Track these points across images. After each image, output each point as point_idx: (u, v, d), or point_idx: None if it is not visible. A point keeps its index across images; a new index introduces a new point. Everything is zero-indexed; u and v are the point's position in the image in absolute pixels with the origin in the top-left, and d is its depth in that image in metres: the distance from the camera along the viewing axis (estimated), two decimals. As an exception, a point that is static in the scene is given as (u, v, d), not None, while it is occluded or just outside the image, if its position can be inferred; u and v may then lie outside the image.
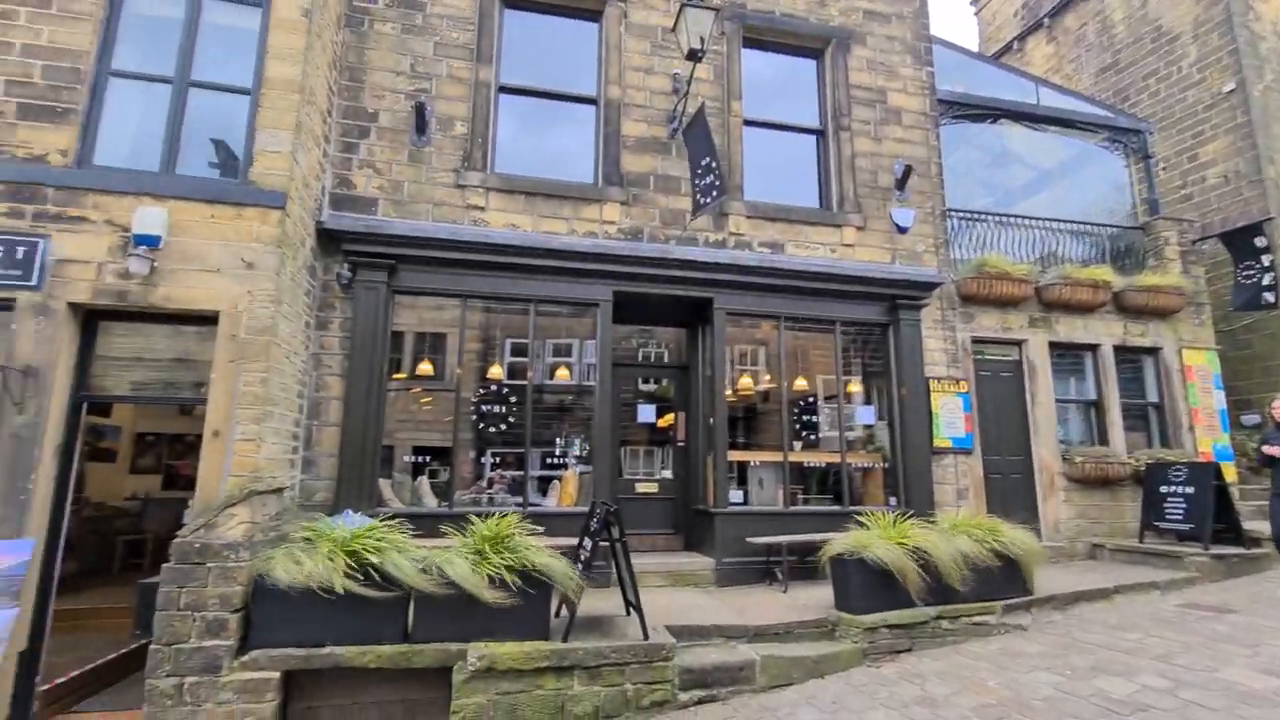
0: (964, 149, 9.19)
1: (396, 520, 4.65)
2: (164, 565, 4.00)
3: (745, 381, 7.31)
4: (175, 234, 5.02)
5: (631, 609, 4.69)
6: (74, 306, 4.88)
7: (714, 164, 6.10)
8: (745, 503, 6.73)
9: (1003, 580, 5.30)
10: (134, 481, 10.74)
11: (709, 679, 4.43)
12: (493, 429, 6.54)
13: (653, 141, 7.19)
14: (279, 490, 4.96)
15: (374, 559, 4.15)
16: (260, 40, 5.39)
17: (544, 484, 6.49)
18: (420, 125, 6.54)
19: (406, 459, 6.49)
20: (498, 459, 6.72)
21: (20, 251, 4.84)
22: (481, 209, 6.62)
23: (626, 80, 7.24)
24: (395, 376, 6.32)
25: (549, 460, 6.77)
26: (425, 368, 6.76)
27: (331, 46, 6.29)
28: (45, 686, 4.74)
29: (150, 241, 4.89)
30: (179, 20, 5.43)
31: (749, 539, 6.24)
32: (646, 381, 7.72)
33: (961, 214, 8.27)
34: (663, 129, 7.24)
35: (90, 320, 5.03)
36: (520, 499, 6.34)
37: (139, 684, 5.05)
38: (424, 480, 6.45)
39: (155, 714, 3.83)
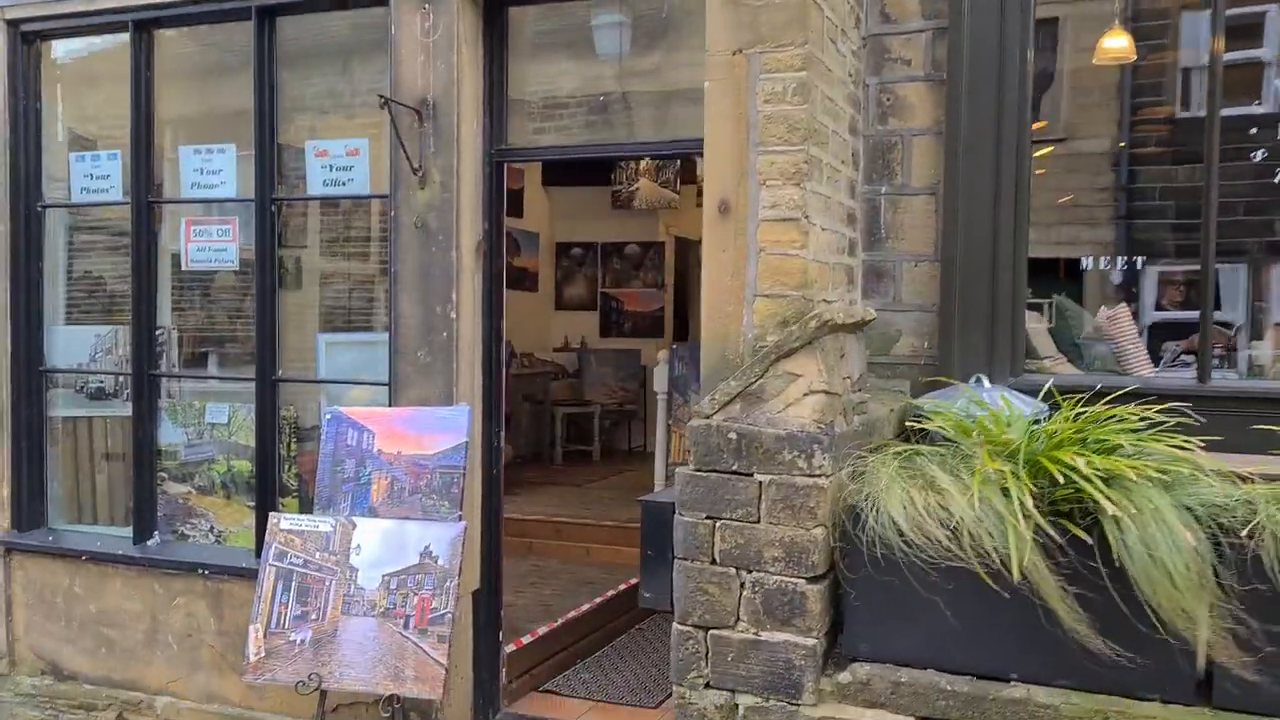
0: None
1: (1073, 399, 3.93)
2: (680, 471, 3.87)
3: None
4: None
5: None
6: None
7: None
8: None
9: None
10: (562, 322, 12.43)
11: None
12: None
13: None
14: (862, 325, 4.54)
15: (1108, 499, 3.32)
16: None
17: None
18: None
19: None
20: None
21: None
22: None
23: None
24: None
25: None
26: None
27: None
28: (511, 648, 5.42)
29: None
30: None
31: None
32: None
33: None
34: None
35: (493, 15, 5.19)
36: None
37: (631, 654, 6.01)
38: (1119, 311, 5.50)
39: (690, 750, 3.87)
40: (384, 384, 5.14)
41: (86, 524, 5.94)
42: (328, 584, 4.66)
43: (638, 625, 6.60)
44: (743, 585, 3.77)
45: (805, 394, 3.83)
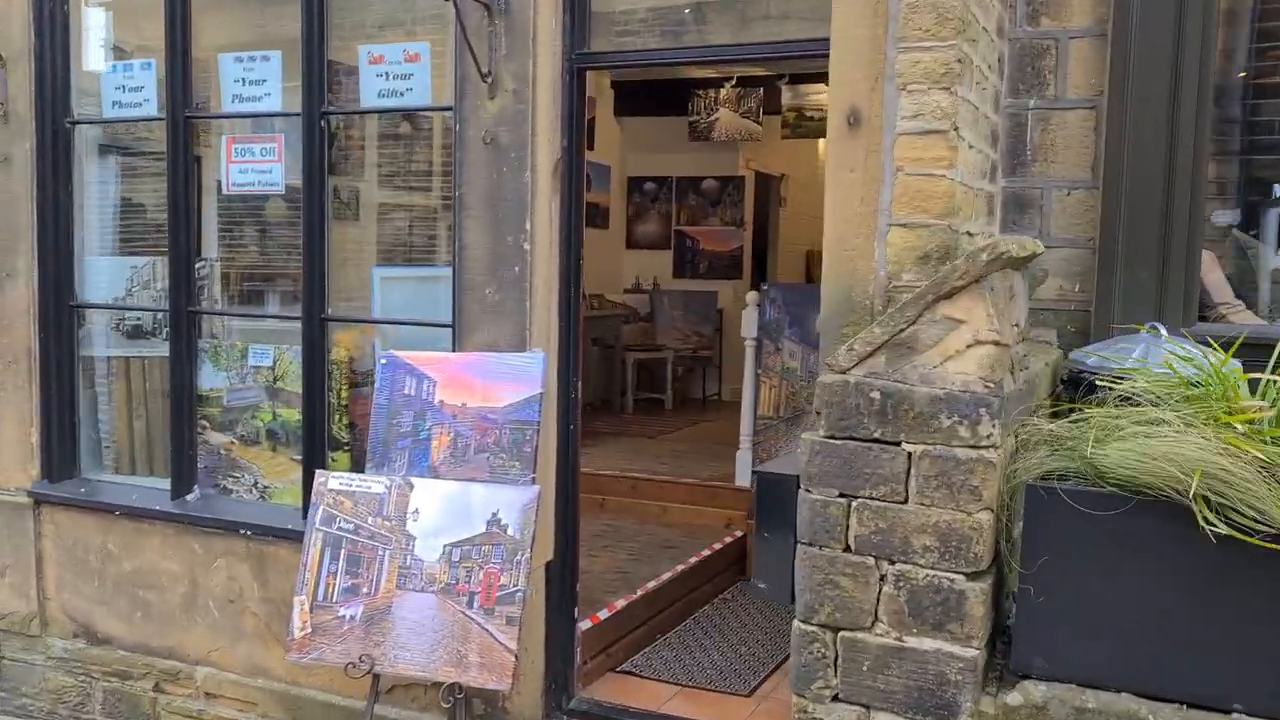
0: None
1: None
2: (806, 438, 3.56)
3: None
4: None
5: None
6: None
7: None
8: None
9: None
10: (634, 261, 12.33)
11: None
12: None
13: None
14: (1032, 259, 4.19)
15: None
16: None
17: None
18: None
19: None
20: None
21: None
22: None
23: None
24: None
25: None
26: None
27: None
28: (586, 624, 5.17)
29: None
30: None
31: None
32: None
33: None
34: None
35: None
36: None
37: (717, 629, 5.77)
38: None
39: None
40: (447, 325, 4.89)
41: (123, 474, 5.81)
42: (381, 553, 4.47)
43: (721, 595, 6.30)
44: (883, 579, 3.43)
45: (969, 345, 3.38)
